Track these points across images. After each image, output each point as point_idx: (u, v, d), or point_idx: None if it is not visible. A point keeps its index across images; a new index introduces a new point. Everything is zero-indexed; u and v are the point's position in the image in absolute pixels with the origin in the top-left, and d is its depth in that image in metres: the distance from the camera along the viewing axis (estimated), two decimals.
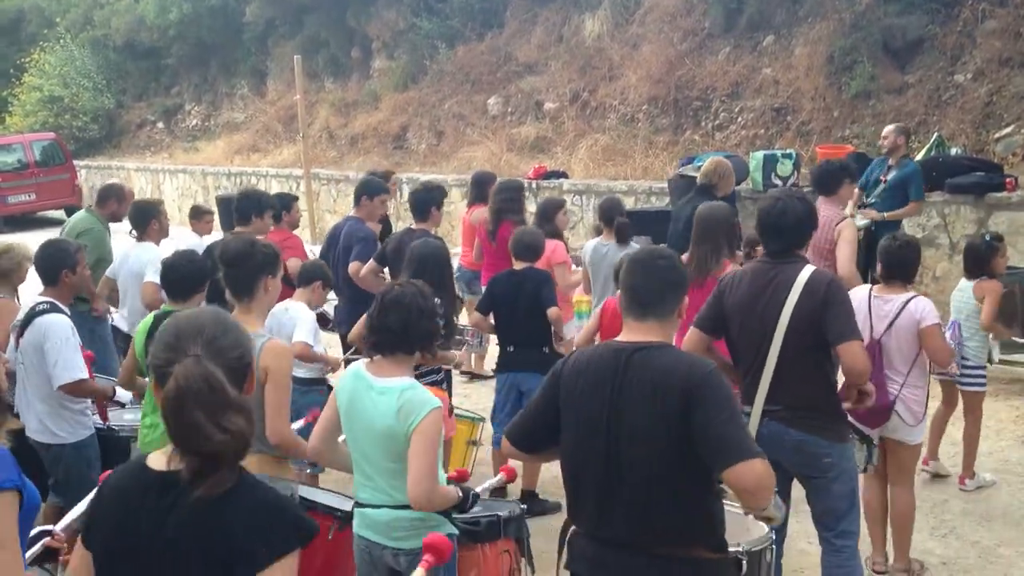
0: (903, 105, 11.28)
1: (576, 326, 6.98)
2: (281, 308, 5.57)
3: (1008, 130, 10.21)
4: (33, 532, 3.18)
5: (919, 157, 9.67)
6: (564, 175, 13.23)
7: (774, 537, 3.51)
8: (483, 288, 6.51)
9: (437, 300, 5.11)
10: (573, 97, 15.15)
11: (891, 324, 4.72)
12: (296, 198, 7.29)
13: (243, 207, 6.73)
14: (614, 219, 7.00)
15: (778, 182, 10.32)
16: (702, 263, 5.31)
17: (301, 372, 5.34)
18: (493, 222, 7.35)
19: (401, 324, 3.47)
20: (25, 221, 20.48)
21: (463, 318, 7.02)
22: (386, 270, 6.62)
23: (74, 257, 5.14)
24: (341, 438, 3.69)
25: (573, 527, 3.09)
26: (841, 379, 4.14)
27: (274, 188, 16.84)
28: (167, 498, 2.05)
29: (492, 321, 5.93)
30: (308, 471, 5.22)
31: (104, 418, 5.09)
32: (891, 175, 8.32)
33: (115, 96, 25.77)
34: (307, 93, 17.08)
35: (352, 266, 6.70)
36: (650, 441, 2.84)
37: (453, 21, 17.64)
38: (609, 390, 2.90)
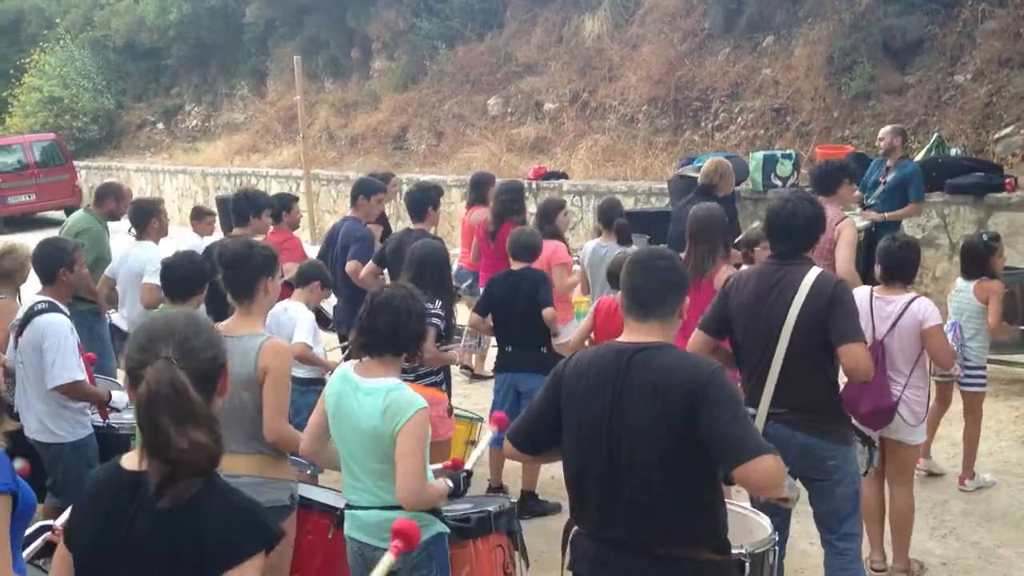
0: (903, 106, 11.28)
1: (576, 327, 6.98)
2: (280, 308, 5.57)
3: (1008, 130, 10.21)
4: (34, 527, 3.19)
5: (919, 157, 9.67)
6: (564, 176, 13.23)
7: (777, 538, 3.51)
8: (481, 289, 6.50)
9: (438, 301, 5.16)
10: (573, 98, 15.15)
11: (894, 325, 4.71)
12: (296, 199, 7.30)
13: (240, 208, 6.74)
14: (613, 220, 7.00)
15: (778, 182, 10.33)
16: (699, 264, 5.31)
17: (300, 372, 5.34)
18: (495, 223, 7.35)
19: (390, 326, 3.48)
20: (25, 222, 20.47)
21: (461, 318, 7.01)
22: (385, 271, 6.62)
23: (71, 255, 5.14)
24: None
25: (575, 528, 3.09)
26: (842, 380, 4.14)
27: (274, 189, 16.84)
28: (137, 499, 2.06)
29: (490, 322, 5.93)
30: (308, 471, 5.22)
31: (104, 416, 5.09)
32: (890, 176, 8.32)
33: (115, 97, 25.78)
34: (307, 94, 17.09)
35: (350, 265, 6.71)
36: (651, 442, 2.84)
37: (453, 21, 17.64)
38: (611, 391, 2.90)
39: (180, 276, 4.62)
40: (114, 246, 7.27)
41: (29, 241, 6.37)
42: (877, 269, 4.98)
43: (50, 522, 3.34)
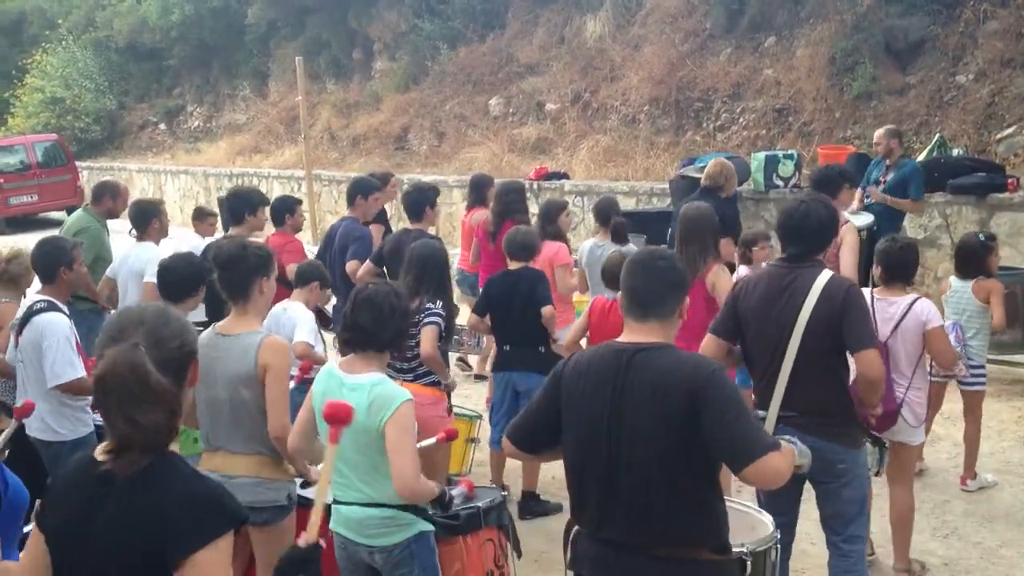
0: (905, 106, 11.27)
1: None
2: (280, 308, 5.58)
3: (1010, 131, 10.19)
4: (32, 527, 3.18)
5: (921, 158, 9.66)
6: (565, 176, 13.22)
7: (779, 536, 3.50)
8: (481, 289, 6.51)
9: (439, 301, 5.15)
10: (574, 98, 15.15)
11: (896, 326, 4.71)
12: (300, 201, 7.28)
13: (235, 207, 6.76)
14: (610, 219, 7.00)
15: (779, 183, 10.32)
16: (690, 264, 5.28)
17: (295, 372, 5.33)
18: (496, 224, 7.34)
19: (372, 322, 3.55)
20: (27, 222, 20.49)
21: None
22: (384, 271, 6.62)
23: (71, 254, 5.15)
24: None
25: (576, 527, 3.09)
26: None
27: (276, 189, 16.85)
28: (105, 488, 2.11)
29: (489, 322, 5.92)
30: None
31: None
32: (890, 176, 8.31)
33: (117, 97, 25.80)
34: (309, 94, 17.08)
35: (349, 264, 6.72)
36: (650, 442, 2.84)
37: (454, 22, 17.65)
38: (610, 391, 2.90)
39: (177, 278, 4.63)
40: (115, 247, 7.28)
41: (32, 242, 6.38)
42: (877, 271, 4.97)
43: None
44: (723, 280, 5.30)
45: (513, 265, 5.91)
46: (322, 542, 2.57)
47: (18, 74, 26.03)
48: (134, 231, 6.81)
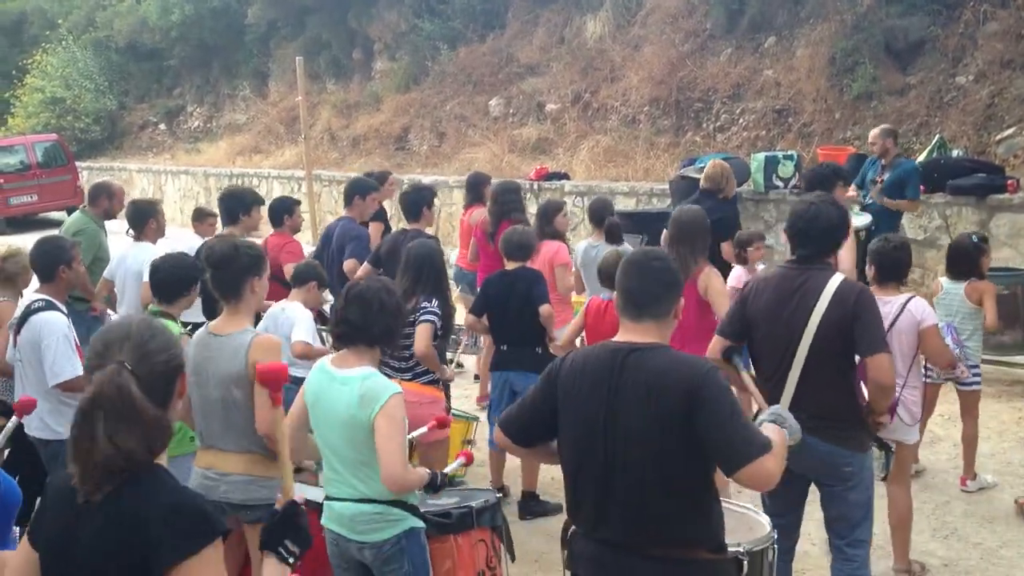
0: (904, 107, 11.26)
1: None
2: (278, 308, 5.58)
3: (1010, 132, 10.18)
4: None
5: (921, 159, 9.65)
6: (565, 176, 13.21)
7: (776, 536, 3.49)
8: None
9: (435, 300, 5.16)
10: (575, 98, 15.14)
11: (891, 325, 4.70)
12: (298, 202, 7.29)
13: (229, 207, 6.78)
14: (604, 219, 7.00)
15: (779, 184, 10.33)
16: (683, 264, 5.27)
17: (296, 371, 5.33)
18: (494, 223, 7.34)
19: (361, 317, 3.58)
20: (27, 223, 20.49)
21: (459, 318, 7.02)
22: (381, 271, 6.62)
23: (69, 253, 5.16)
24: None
25: (572, 527, 3.09)
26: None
27: (276, 190, 16.87)
28: (87, 499, 2.09)
29: (486, 322, 5.92)
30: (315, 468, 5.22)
31: None
32: (886, 176, 8.28)
33: (117, 98, 25.82)
34: (309, 94, 17.07)
35: (347, 264, 6.72)
36: (644, 443, 2.84)
37: (455, 22, 17.64)
38: (606, 391, 2.90)
39: (168, 278, 4.64)
40: (112, 247, 7.29)
41: (31, 243, 6.38)
42: (870, 270, 4.97)
43: None
44: (715, 282, 5.29)
45: (510, 265, 5.91)
46: (297, 498, 2.55)
47: (18, 74, 26.05)
48: (131, 231, 6.81)
